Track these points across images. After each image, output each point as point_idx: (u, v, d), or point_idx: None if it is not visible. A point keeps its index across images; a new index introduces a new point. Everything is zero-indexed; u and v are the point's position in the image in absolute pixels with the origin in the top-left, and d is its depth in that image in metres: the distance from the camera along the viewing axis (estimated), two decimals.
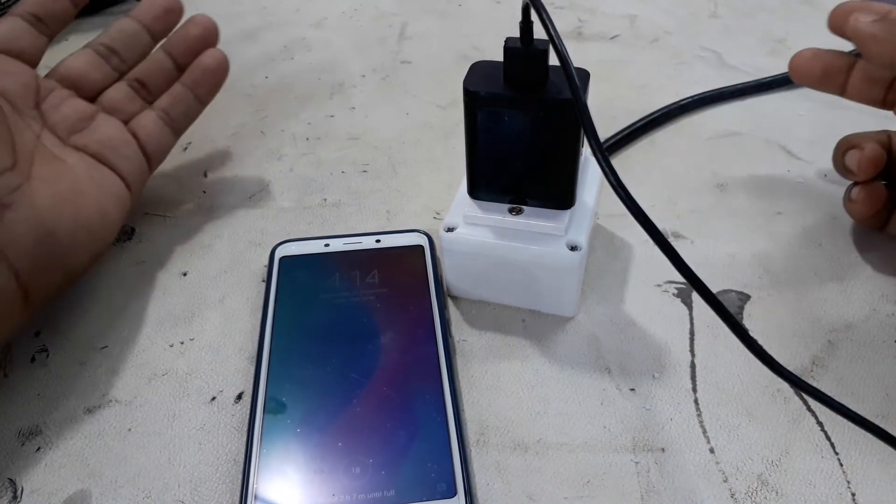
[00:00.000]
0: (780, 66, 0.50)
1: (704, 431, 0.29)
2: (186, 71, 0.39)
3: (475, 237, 0.32)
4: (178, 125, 0.39)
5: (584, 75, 0.30)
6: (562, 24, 0.57)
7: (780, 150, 0.44)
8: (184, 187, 0.43)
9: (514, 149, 0.30)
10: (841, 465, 0.28)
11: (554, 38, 0.25)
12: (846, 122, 0.45)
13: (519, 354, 0.32)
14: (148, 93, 0.39)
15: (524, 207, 0.32)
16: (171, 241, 0.39)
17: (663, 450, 0.29)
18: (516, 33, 0.28)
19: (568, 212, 0.31)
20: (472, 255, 0.33)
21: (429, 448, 0.27)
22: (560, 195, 0.31)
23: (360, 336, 0.32)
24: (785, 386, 0.30)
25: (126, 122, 0.37)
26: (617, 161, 0.43)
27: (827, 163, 0.38)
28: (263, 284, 0.35)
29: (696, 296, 0.34)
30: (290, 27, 0.59)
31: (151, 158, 0.38)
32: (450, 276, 0.34)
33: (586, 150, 0.34)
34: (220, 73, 0.39)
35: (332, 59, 0.55)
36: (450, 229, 0.32)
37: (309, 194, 0.42)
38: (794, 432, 0.29)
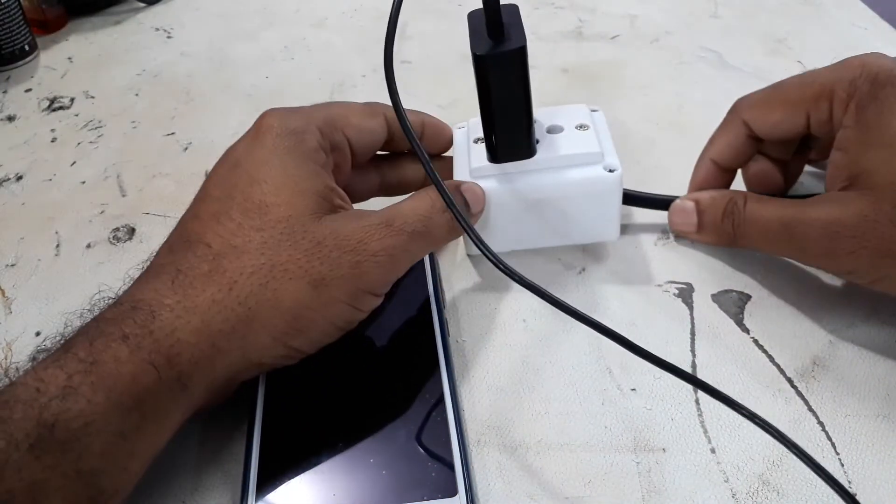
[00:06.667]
0: (780, 66, 0.50)
1: (705, 431, 0.29)
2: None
3: (503, 186, 0.31)
4: None
5: (513, 9, 0.30)
6: (562, 24, 0.57)
7: None
8: (184, 187, 0.43)
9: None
10: (842, 465, 0.28)
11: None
12: None
13: (519, 354, 0.32)
14: None
15: (540, 140, 0.31)
16: None
17: (664, 450, 0.28)
18: None
19: (593, 132, 0.31)
20: (501, 204, 0.32)
21: (429, 448, 0.27)
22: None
23: (360, 336, 0.32)
24: (786, 386, 0.30)
25: None
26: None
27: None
28: None
29: (696, 296, 0.34)
30: (290, 27, 0.59)
31: None
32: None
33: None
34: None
35: (332, 59, 0.55)
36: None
37: None
38: (795, 432, 0.29)
